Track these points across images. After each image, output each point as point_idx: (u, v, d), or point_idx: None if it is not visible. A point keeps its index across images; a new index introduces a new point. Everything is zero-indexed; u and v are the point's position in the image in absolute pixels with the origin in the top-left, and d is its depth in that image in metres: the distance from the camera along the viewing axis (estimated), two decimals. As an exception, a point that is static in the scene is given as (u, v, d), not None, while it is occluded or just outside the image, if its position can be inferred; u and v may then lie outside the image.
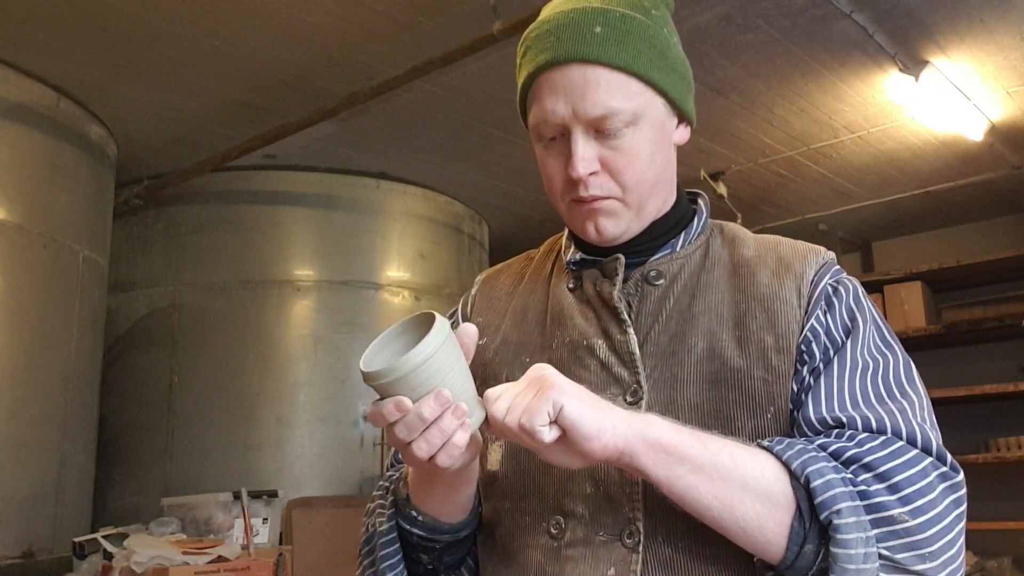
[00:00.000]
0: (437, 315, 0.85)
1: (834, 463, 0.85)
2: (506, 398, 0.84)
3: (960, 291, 5.39)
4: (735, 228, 1.11)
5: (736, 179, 4.69)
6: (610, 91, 0.95)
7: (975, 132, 4.02)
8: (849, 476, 0.84)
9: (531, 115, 1.01)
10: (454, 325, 1.17)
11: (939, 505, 0.85)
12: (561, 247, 1.14)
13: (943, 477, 0.87)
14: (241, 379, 4.14)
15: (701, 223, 1.09)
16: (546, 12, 1.02)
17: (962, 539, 0.87)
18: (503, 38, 2.88)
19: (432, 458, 0.84)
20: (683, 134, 1.06)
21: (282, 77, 3.44)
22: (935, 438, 0.90)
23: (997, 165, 4.57)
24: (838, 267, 1.04)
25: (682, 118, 1.05)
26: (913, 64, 3.47)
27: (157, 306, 4.29)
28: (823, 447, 0.87)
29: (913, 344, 5.32)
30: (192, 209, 4.36)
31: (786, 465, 0.85)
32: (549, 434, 0.81)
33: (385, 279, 4.46)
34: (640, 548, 0.92)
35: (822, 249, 1.05)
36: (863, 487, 0.83)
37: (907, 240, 5.85)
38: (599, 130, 0.97)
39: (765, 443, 0.88)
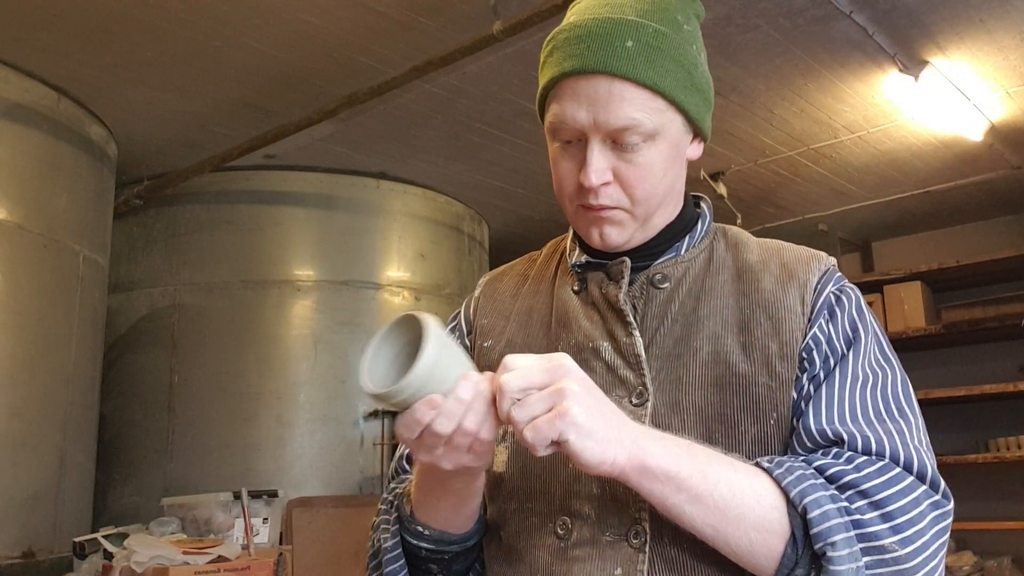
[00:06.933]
0: (421, 316, 0.84)
1: (831, 490, 0.87)
2: (520, 379, 0.83)
3: (960, 291, 5.39)
4: (738, 232, 1.12)
5: (736, 179, 4.69)
6: (633, 106, 0.96)
7: (975, 132, 4.02)
8: (844, 504, 0.86)
9: (550, 114, 1.01)
10: (456, 328, 1.17)
11: (927, 534, 0.87)
12: (565, 249, 1.15)
13: (934, 506, 0.90)
14: (241, 379, 4.14)
15: (705, 227, 1.10)
16: (577, 15, 1.01)
17: (943, 565, 0.90)
18: (503, 38, 2.88)
19: (470, 448, 0.85)
20: (696, 150, 1.07)
21: (282, 77, 3.44)
22: (931, 464, 0.92)
23: (997, 165, 4.57)
24: (840, 274, 1.05)
25: (697, 134, 1.05)
26: (913, 64, 3.47)
27: (157, 306, 4.28)
28: (821, 470, 0.89)
29: (913, 344, 5.32)
30: (192, 209, 4.36)
31: (784, 491, 0.86)
32: (543, 451, 0.83)
33: (385, 279, 4.46)
34: (646, 548, 0.93)
35: (824, 255, 1.06)
36: (857, 515, 0.85)
37: (907, 240, 5.85)
38: (617, 141, 0.97)
39: (764, 464, 0.90)
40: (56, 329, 3.37)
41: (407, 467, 1.11)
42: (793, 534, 0.86)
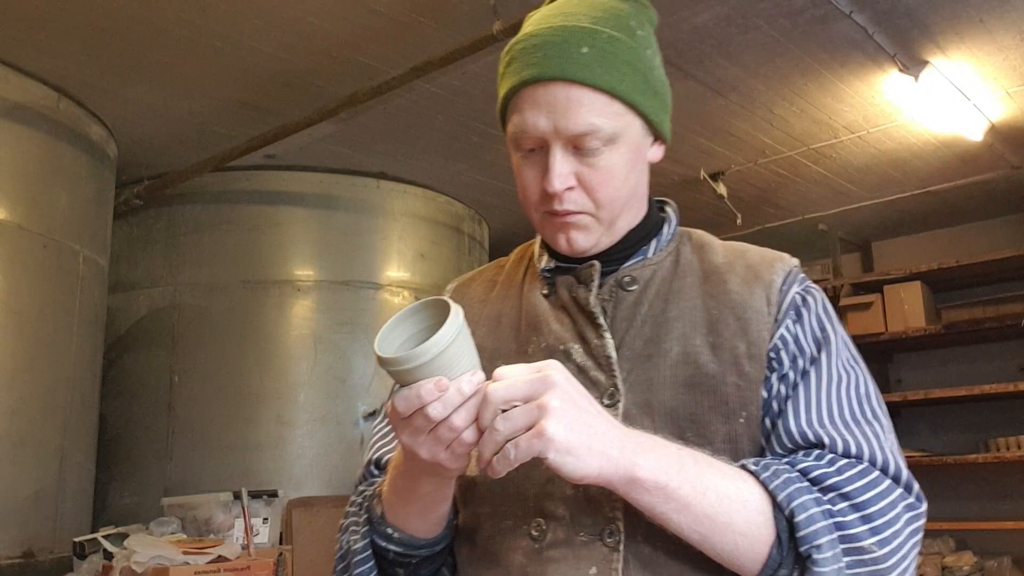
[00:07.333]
0: (451, 301, 0.86)
1: (816, 493, 0.90)
2: (505, 390, 0.84)
3: (960, 291, 5.40)
4: (703, 235, 1.14)
5: (736, 179, 4.69)
6: (592, 111, 0.97)
7: (975, 132, 4.02)
8: (828, 506, 0.89)
9: (511, 124, 1.02)
10: None
11: (902, 535, 0.91)
12: (533, 254, 1.16)
13: (908, 508, 0.93)
14: (241, 379, 4.14)
15: (671, 231, 1.12)
16: (532, 25, 1.03)
17: (915, 565, 0.94)
18: (503, 38, 2.88)
19: (449, 446, 0.85)
20: (657, 152, 1.09)
21: (282, 77, 3.44)
22: (904, 466, 0.96)
23: (997, 165, 4.57)
24: (804, 275, 1.07)
25: (657, 137, 1.07)
26: (913, 64, 3.47)
27: (157, 306, 4.28)
28: (804, 472, 0.91)
29: (913, 344, 5.32)
30: (192, 209, 4.36)
31: (771, 495, 0.89)
32: (501, 472, 0.84)
33: (385, 279, 4.46)
34: (621, 547, 0.94)
35: (787, 256, 1.08)
36: (840, 518, 0.89)
37: (907, 240, 5.85)
38: (578, 147, 0.98)
39: (751, 466, 0.91)
40: (56, 329, 3.37)
41: (376, 472, 1.12)
42: (779, 536, 0.88)
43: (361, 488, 1.10)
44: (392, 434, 1.13)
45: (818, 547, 0.86)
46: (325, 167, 4.42)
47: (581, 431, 0.84)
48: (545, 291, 1.09)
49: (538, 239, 1.16)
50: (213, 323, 4.21)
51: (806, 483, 0.90)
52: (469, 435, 0.85)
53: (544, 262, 1.11)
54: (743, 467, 0.92)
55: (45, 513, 3.21)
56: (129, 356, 4.28)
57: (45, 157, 3.40)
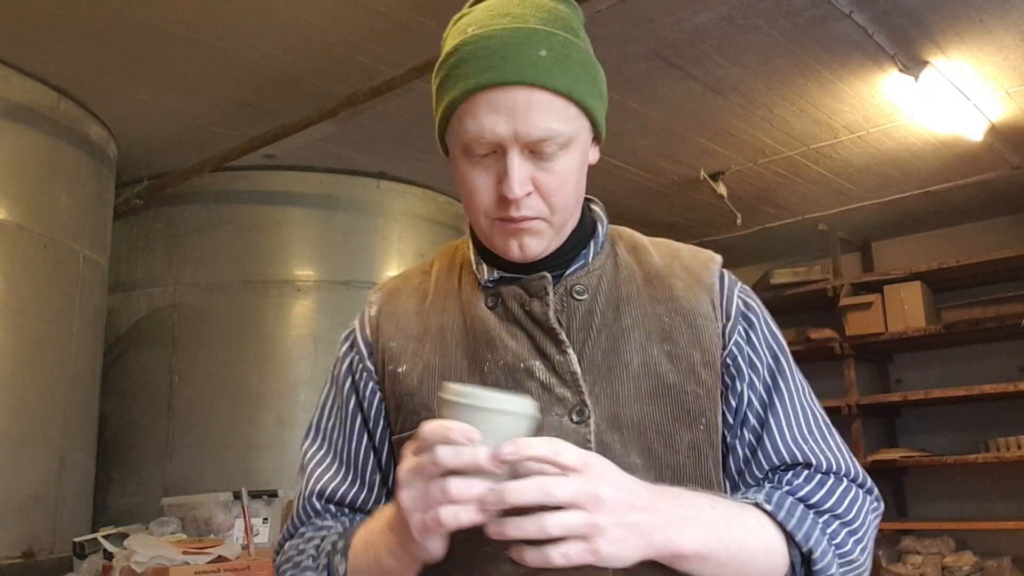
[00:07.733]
0: (535, 407, 0.87)
1: (819, 522, 0.98)
2: (563, 493, 0.81)
3: (960, 291, 5.40)
4: (632, 234, 1.14)
5: (736, 179, 4.69)
6: (551, 115, 0.95)
7: (975, 132, 4.02)
8: (828, 531, 0.98)
9: (462, 129, 0.98)
10: (354, 349, 1.14)
11: (872, 537, 1.04)
12: (465, 261, 1.12)
13: (873, 510, 1.05)
14: (241, 379, 4.14)
15: (604, 230, 1.11)
16: (479, 26, 0.98)
17: None
18: (503, 38, 2.88)
19: (426, 512, 0.82)
20: (595, 154, 1.08)
21: (282, 77, 3.44)
22: (862, 469, 1.06)
23: (997, 165, 4.57)
24: (731, 273, 1.10)
25: (595, 138, 1.06)
26: (913, 64, 3.47)
27: (157, 306, 4.29)
28: (804, 499, 0.99)
29: (913, 344, 5.32)
30: (192, 209, 4.36)
31: (789, 535, 0.96)
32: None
33: (385, 279, 4.46)
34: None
35: (712, 253, 1.11)
36: (836, 538, 0.98)
37: (907, 240, 5.85)
38: (535, 151, 0.96)
39: (766, 506, 0.96)
40: (56, 329, 3.37)
41: (317, 506, 1.08)
42: (792, 566, 0.96)
43: (303, 530, 1.06)
44: (328, 460, 1.10)
45: None
46: (325, 167, 4.42)
47: (630, 538, 0.84)
48: (490, 303, 1.05)
49: (468, 245, 1.12)
50: (213, 323, 4.21)
51: (811, 513, 0.98)
52: (448, 517, 0.80)
53: (486, 272, 1.07)
54: (756, 504, 0.97)
55: (45, 513, 3.21)
56: (129, 356, 4.28)
57: (45, 157, 3.40)
